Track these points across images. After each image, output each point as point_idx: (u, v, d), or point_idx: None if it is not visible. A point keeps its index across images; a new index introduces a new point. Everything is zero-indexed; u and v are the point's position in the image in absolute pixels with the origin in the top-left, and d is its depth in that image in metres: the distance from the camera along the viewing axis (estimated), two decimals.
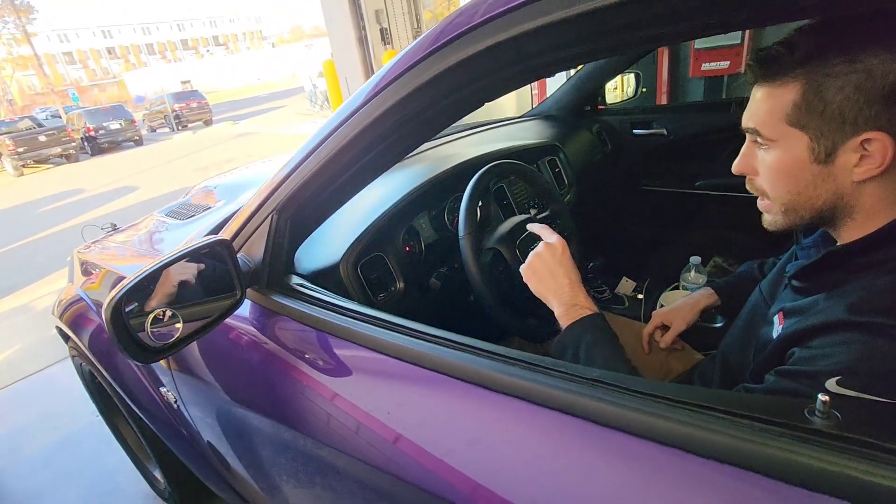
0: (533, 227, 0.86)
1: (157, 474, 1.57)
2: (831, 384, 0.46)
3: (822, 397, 0.34)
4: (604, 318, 0.73)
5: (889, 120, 0.47)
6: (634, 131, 1.76)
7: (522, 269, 0.81)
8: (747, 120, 0.56)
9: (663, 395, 0.40)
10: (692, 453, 0.37)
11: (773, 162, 0.55)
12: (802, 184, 0.54)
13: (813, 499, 0.32)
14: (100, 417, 1.74)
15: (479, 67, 0.49)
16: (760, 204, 0.61)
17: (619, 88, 1.95)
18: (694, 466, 0.37)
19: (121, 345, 0.58)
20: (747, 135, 0.58)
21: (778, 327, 0.59)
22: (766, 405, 0.37)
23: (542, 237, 0.82)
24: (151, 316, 0.63)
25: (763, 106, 0.53)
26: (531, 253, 0.80)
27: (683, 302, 0.96)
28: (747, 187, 0.62)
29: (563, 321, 0.73)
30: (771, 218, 0.60)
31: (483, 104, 0.64)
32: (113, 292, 0.59)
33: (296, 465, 0.77)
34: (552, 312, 1.07)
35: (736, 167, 0.61)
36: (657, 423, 0.39)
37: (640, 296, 1.27)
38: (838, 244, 0.57)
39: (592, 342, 0.69)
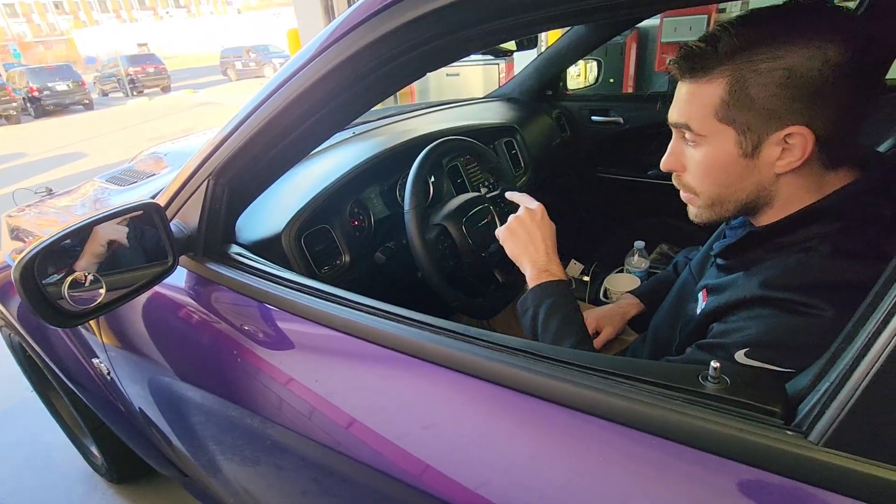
0: (512, 196, 0.87)
1: (94, 450, 1.52)
2: (740, 356, 0.49)
3: (713, 364, 0.36)
4: (568, 286, 0.77)
5: (811, 115, 0.49)
6: (593, 118, 1.79)
7: (501, 230, 0.82)
8: (676, 116, 0.57)
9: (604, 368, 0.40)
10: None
11: (702, 157, 0.56)
12: (731, 178, 0.55)
13: (699, 457, 0.34)
14: (34, 393, 1.66)
15: (438, 26, 0.47)
16: (685, 196, 0.63)
17: (581, 75, 1.97)
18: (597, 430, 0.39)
19: (32, 307, 0.55)
20: (674, 131, 0.60)
21: (701, 303, 0.62)
22: (666, 372, 0.39)
23: (522, 203, 0.84)
24: (70, 279, 0.59)
25: (692, 102, 0.54)
26: (512, 216, 0.82)
27: (613, 310, 0.98)
28: (675, 183, 0.63)
29: (532, 284, 0.77)
30: (696, 211, 0.62)
31: (440, 66, 0.61)
32: (25, 251, 0.55)
33: (233, 440, 0.76)
34: (497, 289, 1.09)
35: (664, 164, 0.61)
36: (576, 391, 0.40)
37: (587, 278, 1.31)
38: (758, 226, 0.59)
39: (553, 306, 0.72)
